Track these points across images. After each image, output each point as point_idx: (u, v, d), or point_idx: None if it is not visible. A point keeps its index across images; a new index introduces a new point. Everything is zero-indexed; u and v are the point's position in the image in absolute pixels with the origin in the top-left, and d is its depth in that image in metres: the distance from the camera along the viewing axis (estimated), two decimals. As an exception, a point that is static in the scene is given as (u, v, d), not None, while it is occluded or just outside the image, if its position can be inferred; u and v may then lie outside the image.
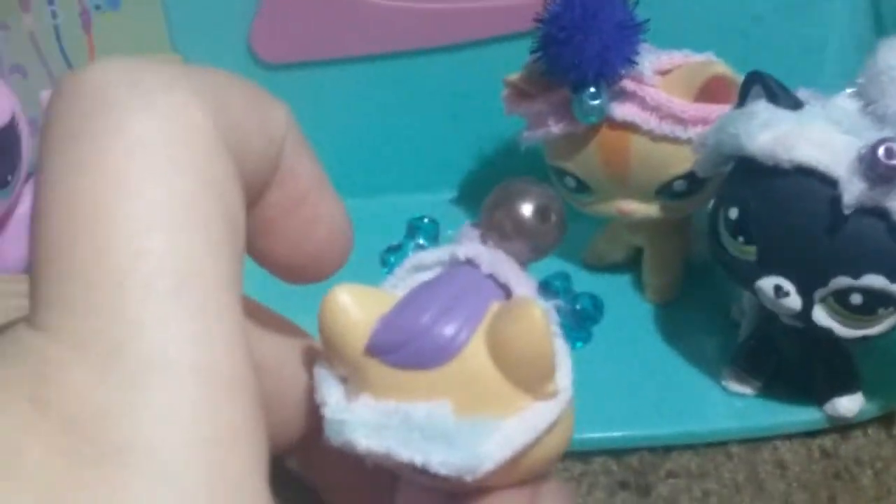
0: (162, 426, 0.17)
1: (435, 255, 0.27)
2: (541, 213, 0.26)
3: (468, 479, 0.23)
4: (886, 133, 0.31)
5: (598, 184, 0.39)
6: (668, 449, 0.37)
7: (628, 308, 0.42)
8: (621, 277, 0.44)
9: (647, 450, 0.37)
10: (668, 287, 0.42)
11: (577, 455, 0.37)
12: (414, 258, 0.27)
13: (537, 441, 0.24)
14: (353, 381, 0.25)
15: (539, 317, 0.24)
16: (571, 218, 0.44)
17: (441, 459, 0.23)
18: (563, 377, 0.25)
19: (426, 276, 0.27)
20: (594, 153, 0.38)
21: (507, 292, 0.26)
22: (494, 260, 0.26)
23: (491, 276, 0.26)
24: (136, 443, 0.17)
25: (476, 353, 0.24)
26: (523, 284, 0.26)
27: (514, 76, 0.39)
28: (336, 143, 0.47)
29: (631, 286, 0.43)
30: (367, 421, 0.24)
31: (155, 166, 0.18)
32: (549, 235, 0.26)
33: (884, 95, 0.31)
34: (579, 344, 0.40)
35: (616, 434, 0.37)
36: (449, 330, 0.24)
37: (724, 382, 0.38)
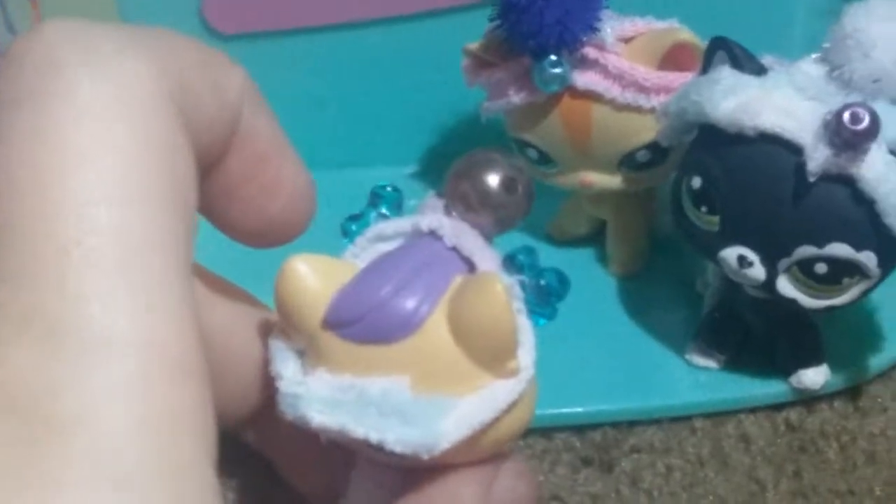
0: (104, 406, 0.16)
1: (397, 226, 0.26)
2: (507, 184, 0.25)
3: (424, 457, 0.23)
4: (852, 98, 0.30)
5: (561, 155, 0.39)
6: (631, 424, 0.36)
7: (592, 282, 0.42)
8: (585, 251, 0.43)
9: (610, 425, 0.36)
10: (633, 260, 0.41)
11: (540, 431, 0.36)
12: (375, 228, 0.26)
13: (496, 420, 0.24)
14: (309, 355, 0.24)
15: (501, 292, 0.23)
16: (535, 192, 0.43)
17: (396, 437, 0.22)
18: (525, 355, 0.24)
19: (388, 246, 0.26)
20: (556, 123, 0.38)
21: (470, 266, 0.25)
22: (458, 232, 0.25)
23: (454, 249, 0.25)
24: (78, 422, 0.16)
25: (436, 328, 0.23)
26: (487, 258, 0.25)
27: (473, 45, 0.38)
28: (294, 115, 0.44)
29: (595, 260, 0.43)
30: (321, 396, 0.23)
31: (104, 134, 0.17)
32: (516, 208, 0.25)
33: (849, 60, 0.30)
34: (542, 321, 0.39)
35: (579, 410, 0.36)
36: (409, 304, 0.23)
37: (688, 356, 0.38)
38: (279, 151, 0.23)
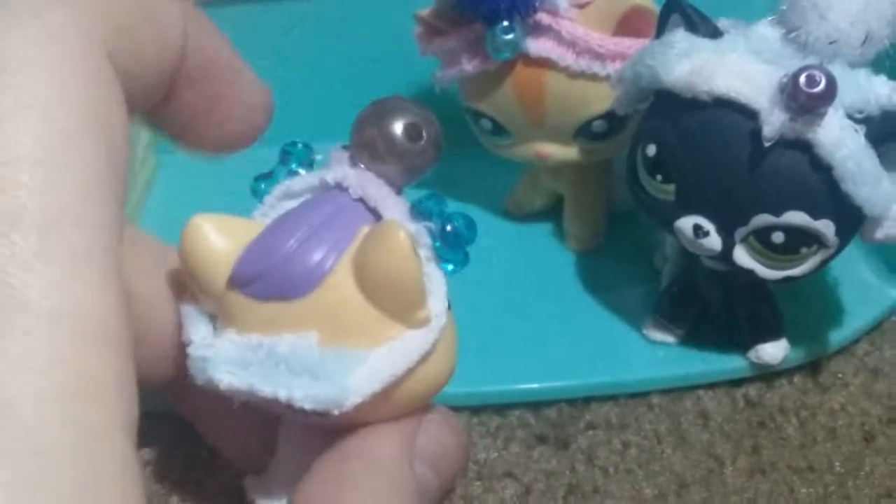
0: (16, 374, 0.15)
1: (305, 182, 0.25)
2: (411, 131, 0.24)
3: (335, 412, 0.22)
4: (809, 61, 0.29)
5: (515, 125, 0.38)
6: (587, 401, 0.36)
7: (549, 257, 0.41)
8: (542, 226, 0.42)
9: (566, 402, 0.35)
10: (590, 235, 0.41)
11: (494, 408, 0.35)
12: (283, 185, 0.25)
13: (411, 372, 0.23)
14: (219, 317, 0.23)
15: (403, 239, 0.22)
16: (491, 168, 0.42)
17: (304, 393, 0.22)
18: (437, 303, 0.23)
19: (295, 203, 0.25)
20: (509, 92, 0.36)
21: (377, 217, 0.24)
22: (363, 183, 0.24)
23: (360, 200, 0.24)
24: None
25: (342, 280, 0.22)
26: (392, 207, 0.24)
27: (424, 11, 0.37)
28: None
29: (552, 235, 0.42)
30: (229, 357, 0.22)
31: (32, 98, 0.17)
32: (422, 156, 0.25)
33: (805, 22, 0.29)
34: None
35: (534, 386, 0.35)
36: (313, 257, 0.22)
37: (645, 331, 0.37)
38: (235, 80, 0.23)
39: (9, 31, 0.17)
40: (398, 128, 0.24)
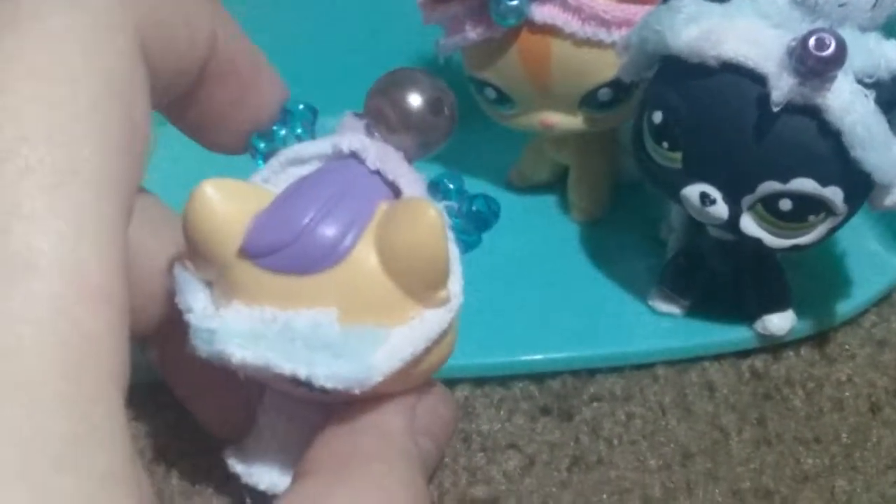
0: (17, 325, 0.16)
1: (314, 148, 0.25)
2: (432, 103, 0.24)
3: (356, 391, 0.21)
4: (818, 25, 0.29)
5: (520, 94, 0.37)
6: (592, 372, 0.35)
7: (554, 229, 0.40)
8: (547, 197, 0.42)
9: (569, 373, 0.35)
10: (595, 206, 0.40)
11: (497, 379, 0.35)
12: (290, 150, 0.25)
13: (427, 350, 0.22)
14: (221, 286, 0.23)
15: (436, 218, 0.21)
16: (496, 138, 0.42)
17: (327, 372, 0.21)
18: (455, 283, 0.23)
19: (303, 170, 0.24)
20: (514, 60, 0.36)
21: (394, 191, 0.24)
22: (382, 154, 0.24)
23: (377, 173, 0.24)
24: None
25: (364, 256, 0.22)
26: (413, 183, 0.24)
27: (428, -22, 0.36)
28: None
29: (557, 206, 0.41)
30: (240, 330, 0.22)
31: (64, 61, 0.17)
32: (440, 129, 0.24)
33: (815, -15, 0.29)
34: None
35: (538, 357, 0.35)
36: (334, 232, 0.22)
37: (650, 302, 0.36)
38: (259, 76, 0.23)
39: (47, 5, 0.18)
40: (417, 100, 0.24)
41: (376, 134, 0.24)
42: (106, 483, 0.16)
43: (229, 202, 0.22)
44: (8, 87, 0.17)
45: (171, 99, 0.21)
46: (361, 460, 0.22)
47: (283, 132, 0.25)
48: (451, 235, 0.23)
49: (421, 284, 0.22)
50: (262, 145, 0.25)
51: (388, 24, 0.44)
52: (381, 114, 0.24)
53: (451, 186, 0.24)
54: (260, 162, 0.25)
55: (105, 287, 0.17)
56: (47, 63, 0.17)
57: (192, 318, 0.22)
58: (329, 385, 0.21)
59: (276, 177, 0.24)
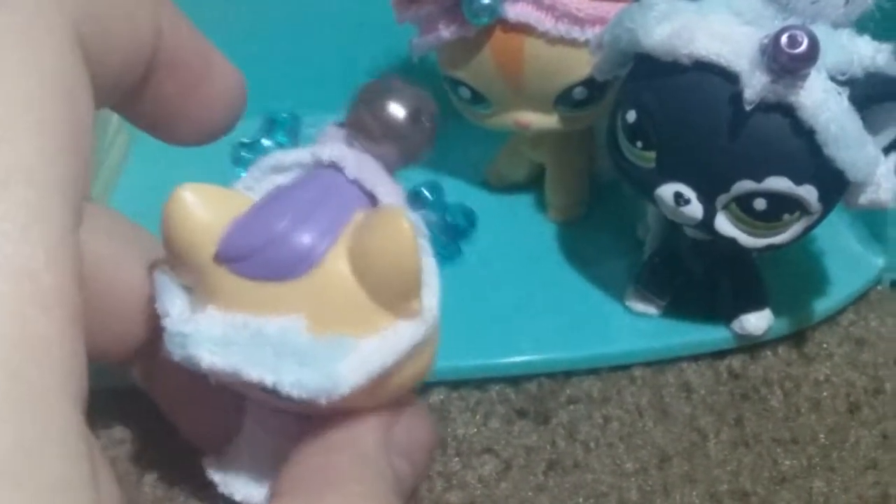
0: None
1: (295, 156, 0.24)
2: (412, 114, 0.23)
3: (322, 401, 0.21)
4: (790, 22, 0.28)
5: (494, 93, 0.37)
6: (568, 374, 0.35)
7: (530, 229, 0.40)
8: (523, 197, 0.41)
9: (546, 376, 0.35)
10: (572, 206, 0.40)
11: (473, 383, 0.35)
12: (271, 158, 0.24)
13: (399, 364, 0.22)
14: (199, 291, 0.23)
15: (407, 229, 0.21)
16: (471, 138, 0.41)
17: (293, 380, 0.21)
18: (430, 296, 0.23)
19: (284, 178, 0.24)
20: (487, 59, 0.36)
21: (372, 200, 0.23)
22: (361, 164, 0.23)
23: (356, 182, 0.23)
24: None
25: (336, 264, 0.21)
26: (391, 192, 0.23)
27: (400, -24, 0.36)
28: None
29: (533, 206, 0.41)
30: (212, 335, 0.21)
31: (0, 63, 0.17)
32: (421, 139, 0.24)
33: (788, -18, 0.29)
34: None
35: (514, 360, 0.35)
36: (307, 238, 0.21)
37: (627, 303, 0.36)
38: (210, 67, 0.23)
39: None
40: (397, 110, 0.23)
41: (356, 143, 0.23)
42: (59, 493, 0.15)
43: (207, 207, 0.22)
44: None
45: (120, 95, 0.21)
46: (337, 481, 0.21)
47: (266, 141, 0.24)
48: (427, 246, 0.23)
49: (392, 294, 0.22)
50: (245, 155, 0.25)
51: (360, 24, 0.44)
52: (362, 123, 0.23)
53: (430, 197, 0.24)
54: (242, 171, 0.24)
55: (55, 288, 0.16)
56: None
57: (168, 323, 0.22)
58: (294, 393, 0.21)
59: (258, 184, 0.24)
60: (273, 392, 0.21)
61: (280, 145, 0.24)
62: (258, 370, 0.21)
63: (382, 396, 0.22)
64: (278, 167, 0.24)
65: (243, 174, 0.24)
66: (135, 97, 0.22)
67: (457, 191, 0.40)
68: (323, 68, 0.45)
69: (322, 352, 0.21)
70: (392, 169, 0.24)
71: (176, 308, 0.23)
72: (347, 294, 0.22)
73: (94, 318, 0.18)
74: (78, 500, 0.15)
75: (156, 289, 0.23)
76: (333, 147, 0.24)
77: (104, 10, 0.19)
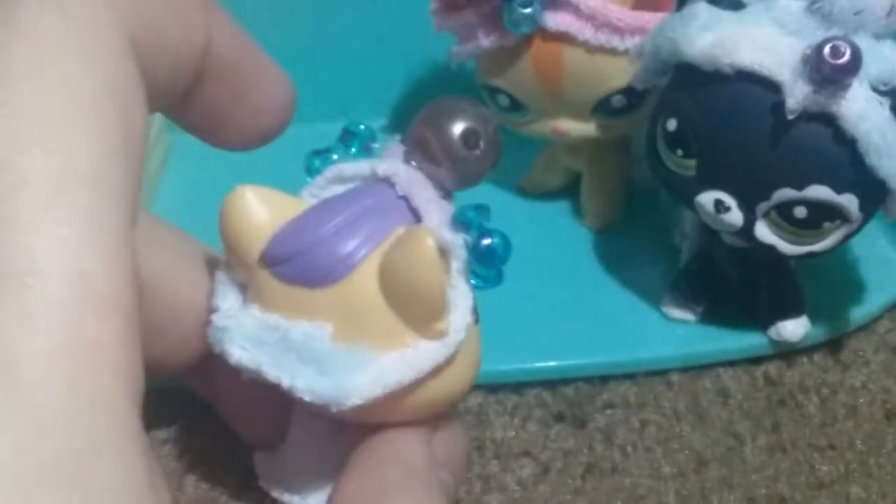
0: (20, 332, 0.15)
1: (356, 168, 0.25)
2: (469, 137, 0.23)
3: (332, 409, 0.21)
4: (833, 33, 0.29)
5: (532, 101, 0.37)
6: (605, 379, 0.35)
7: (566, 235, 0.40)
8: (559, 204, 0.42)
9: (583, 380, 0.35)
10: (608, 213, 0.40)
11: (511, 387, 0.35)
12: (335, 168, 0.25)
13: (419, 382, 0.22)
14: (250, 289, 0.23)
15: (430, 249, 0.21)
16: (508, 145, 0.42)
17: (307, 385, 0.21)
18: (459, 318, 0.23)
19: (343, 188, 0.25)
20: (527, 67, 0.36)
21: (418, 218, 0.24)
22: (411, 181, 0.24)
23: (404, 198, 0.24)
24: None
25: (366, 277, 0.22)
26: (434, 212, 0.24)
27: (441, -15, 0.37)
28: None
29: (569, 213, 0.41)
30: (247, 332, 0.22)
31: (55, 63, 0.17)
32: (477, 163, 0.24)
33: (830, -8, 0.29)
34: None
35: (552, 364, 0.35)
36: (343, 248, 0.22)
37: (664, 309, 0.36)
38: (260, 74, 0.23)
39: (33, 7, 0.18)
40: (457, 132, 0.23)
41: (413, 161, 0.24)
42: (113, 498, 0.15)
43: (263, 208, 0.23)
44: None
45: (171, 101, 0.21)
46: (392, 496, 0.22)
47: (338, 151, 0.25)
48: (462, 268, 0.23)
49: (414, 313, 0.22)
50: (316, 163, 0.25)
51: (399, 32, 0.44)
52: (420, 142, 0.24)
53: (472, 219, 0.24)
54: (310, 179, 0.25)
55: (112, 294, 0.16)
56: (37, 68, 0.17)
57: (215, 317, 0.23)
58: (307, 398, 0.22)
59: (321, 193, 0.24)
60: (291, 394, 0.22)
61: (352, 156, 0.25)
62: (277, 371, 0.22)
63: (410, 411, 0.23)
64: (340, 178, 0.25)
65: (308, 182, 0.25)
66: (185, 102, 0.22)
67: (491, 199, 0.40)
68: (377, 78, 0.45)
69: (341, 361, 0.21)
70: (448, 189, 0.24)
71: (226, 304, 0.23)
72: (373, 308, 0.22)
73: (151, 332, 0.18)
74: (135, 502, 0.16)
75: (213, 285, 0.24)
76: (389, 162, 0.24)
77: (157, 15, 0.19)
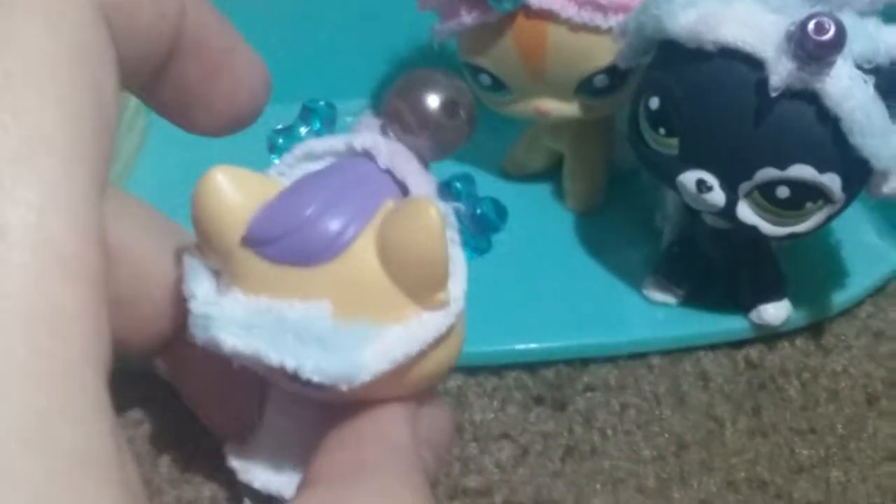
0: None
1: (327, 144, 0.24)
2: (448, 106, 0.23)
3: (343, 388, 0.21)
4: (818, 9, 0.28)
5: (515, 80, 0.37)
6: (585, 362, 0.35)
7: (548, 217, 0.40)
8: (541, 186, 0.41)
9: (563, 363, 0.35)
10: (590, 195, 0.40)
11: (491, 369, 0.35)
12: (304, 145, 0.24)
13: (422, 354, 0.22)
14: (225, 274, 0.22)
15: (435, 218, 0.21)
16: (490, 126, 0.41)
17: (314, 365, 0.21)
18: (456, 287, 0.22)
19: (317, 165, 0.24)
20: (509, 46, 0.36)
21: (403, 190, 0.23)
22: (393, 153, 0.23)
23: (388, 171, 0.23)
24: None
25: (363, 252, 0.21)
26: (422, 183, 0.23)
27: (423, -39, 0.36)
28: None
29: (551, 195, 0.41)
30: (235, 318, 0.21)
31: (24, 34, 0.16)
32: (455, 132, 0.24)
33: (815, -31, 0.29)
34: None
35: (532, 346, 0.35)
36: (335, 225, 0.21)
37: (645, 292, 0.36)
38: (233, 53, 0.22)
39: None
40: (434, 101, 0.23)
41: (391, 133, 0.23)
42: (78, 463, 0.15)
43: (237, 189, 0.22)
44: None
45: (143, 78, 0.21)
46: (372, 470, 0.21)
47: (302, 129, 0.24)
48: (455, 238, 0.23)
49: (418, 284, 0.22)
50: (280, 141, 0.24)
51: (382, 9, 0.44)
52: (397, 114, 0.23)
53: (461, 188, 0.24)
54: (276, 158, 0.24)
55: (79, 259, 0.16)
56: (6, 35, 0.16)
57: (193, 305, 0.22)
58: (315, 379, 0.21)
59: (290, 171, 0.24)
60: (294, 377, 0.21)
61: (316, 133, 0.24)
62: (279, 354, 0.21)
63: (407, 386, 0.22)
64: (311, 155, 0.24)
65: (276, 161, 0.24)
66: (156, 82, 0.21)
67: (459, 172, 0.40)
68: (360, 57, 0.45)
69: (345, 338, 0.21)
70: (426, 161, 0.24)
71: (202, 290, 0.23)
72: (373, 282, 0.21)
73: (115, 305, 0.18)
74: (101, 471, 0.15)
75: (183, 271, 0.23)
76: (367, 136, 0.24)
77: None
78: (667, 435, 0.33)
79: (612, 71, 0.35)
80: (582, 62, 0.36)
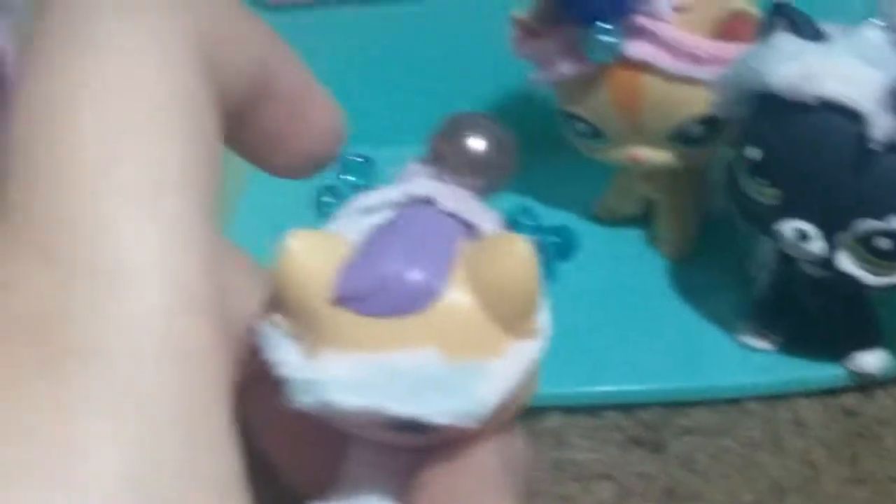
0: (120, 337, 0.15)
1: (382, 196, 0.25)
2: (493, 146, 0.24)
3: (472, 425, 0.22)
4: (917, 64, 0.29)
5: (610, 128, 0.38)
6: (682, 405, 0.35)
7: (642, 263, 0.41)
8: (633, 232, 0.42)
9: (660, 405, 0.35)
10: (683, 241, 0.40)
11: (588, 409, 0.35)
12: (360, 200, 0.25)
13: (522, 384, 0.23)
14: (311, 338, 0.23)
15: (527, 251, 0.22)
16: (581, 171, 0.42)
17: (438, 409, 0.21)
18: (543, 315, 0.23)
19: (375, 218, 0.25)
20: (606, 95, 0.37)
21: (469, 230, 0.24)
22: (454, 196, 0.24)
23: (453, 214, 0.24)
24: (102, 347, 0.15)
25: (457, 295, 0.22)
26: (490, 220, 0.24)
27: (522, 13, 0.37)
28: (337, 89, 0.45)
29: (644, 241, 0.42)
30: (340, 377, 0.22)
31: (133, 75, 0.17)
32: (503, 170, 0.25)
33: (913, 24, 0.29)
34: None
35: (629, 388, 0.35)
36: (423, 273, 0.22)
37: (741, 338, 0.36)
38: (312, 99, 0.23)
39: (117, 20, 0.18)
40: (480, 144, 0.24)
41: (445, 177, 0.24)
42: (222, 489, 0.15)
43: (315, 253, 0.23)
44: (87, 107, 0.17)
45: (229, 120, 0.21)
46: (471, 501, 0.22)
47: (345, 186, 0.25)
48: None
49: (515, 316, 0.22)
50: (327, 199, 0.25)
51: (478, 53, 0.45)
52: (446, 158, 0.24)
53: (526, 221, 0.25)
54: (324, 216, 0.25)
55: (204, 299, 0.16)
56: (125, 82, 0.17)
57: (288, 371, 0.22)
58: (442, 422, 0.22)
59: (352, 226, 0.25)
60: (412, 425, 0.22)
61: (357, 187, 0.25)
62: (399, 405, 0.22)
63: (506, 417, 0.23)
64: (368, 208, 0.25)
65: (330, 218, 0.25)
66: (236, 122, 0.22)
67: (565, 222, 0.40)
68: (421, 107, 0.46)
69: (460, 378, 0.22)
70: (481, 199, 0.25)
71: (291, 355, 0.23)
72: (472, 321, 0.22)
73: None
74: (240, 497, 0.16)
75: (264, 340, 0.24)
76: (424, 183, 0.25)
77: (224, 33, 0.19)
78: (765, 480, 0.33)
79: (706, 120, 0.36)
80: (676, 112, 0.36)
